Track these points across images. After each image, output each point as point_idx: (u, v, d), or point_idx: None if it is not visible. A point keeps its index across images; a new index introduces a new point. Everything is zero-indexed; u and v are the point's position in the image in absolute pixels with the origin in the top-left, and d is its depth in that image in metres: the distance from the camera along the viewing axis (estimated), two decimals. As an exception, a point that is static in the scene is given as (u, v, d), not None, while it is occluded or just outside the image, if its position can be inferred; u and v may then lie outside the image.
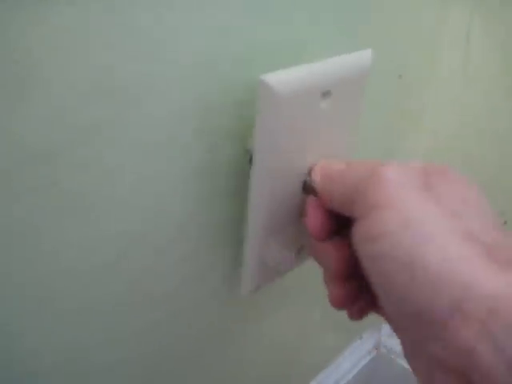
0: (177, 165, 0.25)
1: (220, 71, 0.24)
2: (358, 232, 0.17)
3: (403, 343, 0.18)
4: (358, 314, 0.23)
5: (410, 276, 0.15)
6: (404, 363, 0.61)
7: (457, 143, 0.44)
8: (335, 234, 0.23)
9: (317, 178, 0.23)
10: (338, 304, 0.23)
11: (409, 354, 0.18)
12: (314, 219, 0.22)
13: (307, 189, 0.26)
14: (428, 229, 0.15)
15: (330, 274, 0.23)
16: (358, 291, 0.23)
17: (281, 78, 0.22)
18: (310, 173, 0.26)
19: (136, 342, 0.28)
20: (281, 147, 0.24)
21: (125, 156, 0.22)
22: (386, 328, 0.63)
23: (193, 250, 0.28)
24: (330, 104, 0.26)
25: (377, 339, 0.64)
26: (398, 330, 0.18)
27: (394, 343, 0.63)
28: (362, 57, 0.28)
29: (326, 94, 0.25)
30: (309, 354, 0.53)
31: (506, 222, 0.46)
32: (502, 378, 0.13)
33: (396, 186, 0.17)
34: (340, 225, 0.22)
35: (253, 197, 0.26)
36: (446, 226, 0.15)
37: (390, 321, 0.21)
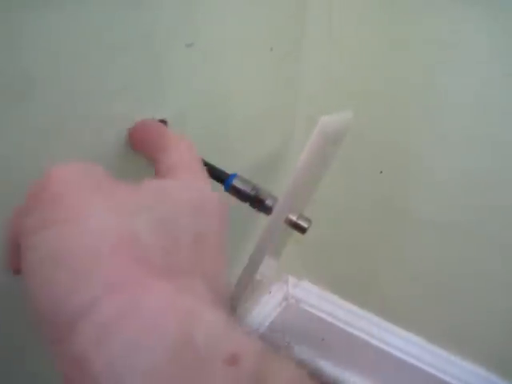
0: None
1: None
2: (25, 224, 0.16)
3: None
4: None
5: (53, 269, 0.14)
6: (312, 310, 0.63)
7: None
8: None
9: None
10: None
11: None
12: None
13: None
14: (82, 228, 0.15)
15: None
16: None
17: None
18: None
19: None
20: None
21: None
22: (291, 280, 0.65)
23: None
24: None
25: (285, 292, 0.65)
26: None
27: (300, 293, 0.65)
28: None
29: None
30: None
31: (381, 172, 0.50)
32: None
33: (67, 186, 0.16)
34: None
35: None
36: (108, 223, 0.15)
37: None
